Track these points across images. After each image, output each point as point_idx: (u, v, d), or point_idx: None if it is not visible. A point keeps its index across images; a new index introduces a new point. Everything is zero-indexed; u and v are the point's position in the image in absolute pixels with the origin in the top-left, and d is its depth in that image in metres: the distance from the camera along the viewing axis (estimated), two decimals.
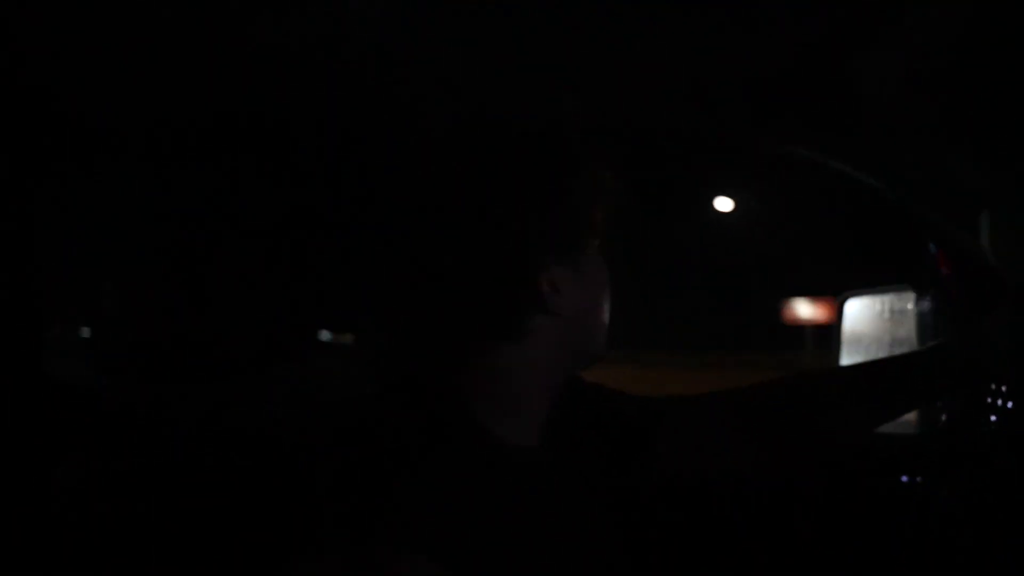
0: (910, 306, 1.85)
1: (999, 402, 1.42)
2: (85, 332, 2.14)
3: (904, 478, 1.51)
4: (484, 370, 0.94)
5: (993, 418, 1.42)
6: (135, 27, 1.30)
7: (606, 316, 1.01)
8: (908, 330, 1.86)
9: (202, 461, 1.64)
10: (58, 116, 1.64)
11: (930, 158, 1.55)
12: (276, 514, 1.50)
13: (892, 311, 1.94)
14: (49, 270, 1.83)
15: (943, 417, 1.59)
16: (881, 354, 1.68)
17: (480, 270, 0.91)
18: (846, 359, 2.05)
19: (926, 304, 1.72)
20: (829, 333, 2.15)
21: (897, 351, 1.66)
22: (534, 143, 0.95)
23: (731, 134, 1.56)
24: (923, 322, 1.74)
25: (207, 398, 1.75)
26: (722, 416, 1.13)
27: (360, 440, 0.91)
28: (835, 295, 2.11)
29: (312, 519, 0.85)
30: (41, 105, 1.60)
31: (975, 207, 1.54)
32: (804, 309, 16.76)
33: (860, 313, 2.02)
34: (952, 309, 1.58)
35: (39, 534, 1.60)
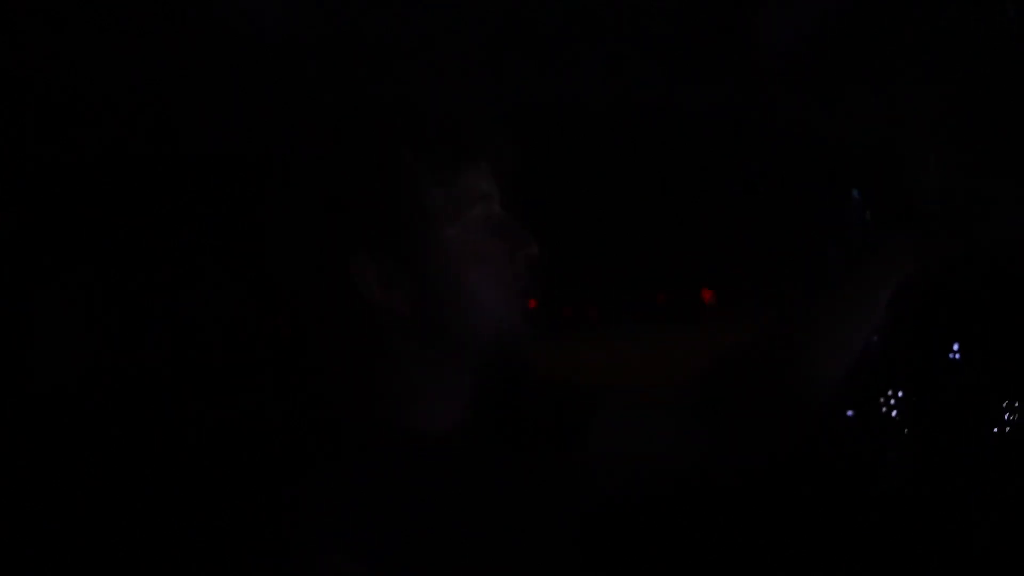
0: None
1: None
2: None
3: None
4: (371, 362, 0.92)
5: None
6: None
7: (482, 310, 0.92)
8: None
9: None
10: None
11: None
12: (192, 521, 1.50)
13: None
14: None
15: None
16: None
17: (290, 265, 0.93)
18: None
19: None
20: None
21: None
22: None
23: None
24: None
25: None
26: (670, 408, 1.04)
27: (267, 441, 0.91)
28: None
29: (225, 524, 0.85)
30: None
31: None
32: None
33: None
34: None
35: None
